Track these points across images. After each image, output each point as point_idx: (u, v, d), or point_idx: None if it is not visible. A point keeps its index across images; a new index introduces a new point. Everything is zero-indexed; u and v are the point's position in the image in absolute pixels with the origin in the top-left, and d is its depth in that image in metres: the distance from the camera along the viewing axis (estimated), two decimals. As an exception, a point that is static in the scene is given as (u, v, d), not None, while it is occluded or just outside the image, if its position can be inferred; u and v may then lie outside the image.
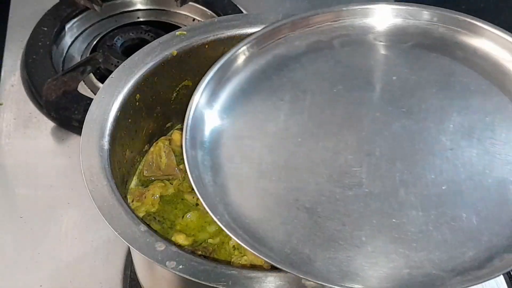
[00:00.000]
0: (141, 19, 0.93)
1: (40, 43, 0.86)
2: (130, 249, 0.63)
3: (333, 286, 0.45)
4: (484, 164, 0.51)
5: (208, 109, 0.57)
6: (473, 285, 0.45)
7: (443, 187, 0.50)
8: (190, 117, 0.56)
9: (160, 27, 0.90)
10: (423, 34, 0.61)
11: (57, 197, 0.72)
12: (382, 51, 0.61)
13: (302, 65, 0.59)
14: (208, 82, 0.58)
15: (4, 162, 0.76)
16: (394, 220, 0.49)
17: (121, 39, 0.86)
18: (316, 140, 0.54)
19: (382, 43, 0.61)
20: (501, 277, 0.66)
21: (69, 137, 0.78)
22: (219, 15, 0.88)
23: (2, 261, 0.67)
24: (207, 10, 0.92)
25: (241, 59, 0.60)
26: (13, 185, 0.74)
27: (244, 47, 0.60)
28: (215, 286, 0.45)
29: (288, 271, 0.45)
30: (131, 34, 0.87)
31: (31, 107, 0.81)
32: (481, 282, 0.45)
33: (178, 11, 0.93)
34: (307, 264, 0.47)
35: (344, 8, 0.62)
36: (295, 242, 0.48)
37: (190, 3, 0.92)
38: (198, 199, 0.51)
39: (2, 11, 0.93)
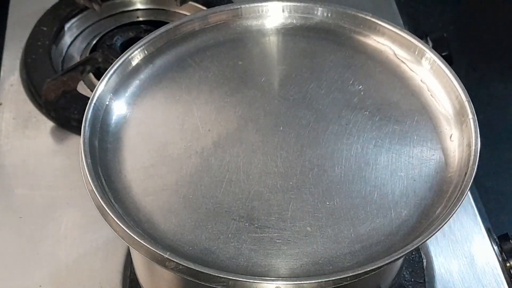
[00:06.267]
0: (141, 19, 0.93)
1: (39, 43, 0.86)
2: (130, 250, 0.63)
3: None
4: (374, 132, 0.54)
5: (113, 99, 0.56)
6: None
7: (354, 164, 0.52)
8: (92, 106, 0.54)
9: (159, 26, 0.89)
10: (320, 30, 0.61)
11: (56, 197, 0.72)
12: (279, 47, 0.61)
13: (199, 64, 0.59)
14: (113, 72, 0.57)
15: (3, 162, 0.76)
16: (328, 203, 0.50)
17: (121, 39, 0.86)
18: (223, 145, 0.54)
19: (279, 40, 0.61)
20: (501, 277, 0.66)
21: (69, 137, 0.78)
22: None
23: (1, 262, 0.67)
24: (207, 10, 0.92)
25: (143, 55, 0.60)
26: (12, 185, 0.74)
27: (143, 46, 0.61)
28: (215, 286, 0.45)
29: (254, 281, 0.44)
30: (130, 33, 0.87)
31: (30, 107, 0.81)
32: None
33: (177, 11, 0.93)
34: (269, 270, 0.46)
35: (240, 6, 0.62)
36: (246, 252, 0.47)
37: (190, 2, 0.92)
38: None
39: (1, 11, 0.92)
